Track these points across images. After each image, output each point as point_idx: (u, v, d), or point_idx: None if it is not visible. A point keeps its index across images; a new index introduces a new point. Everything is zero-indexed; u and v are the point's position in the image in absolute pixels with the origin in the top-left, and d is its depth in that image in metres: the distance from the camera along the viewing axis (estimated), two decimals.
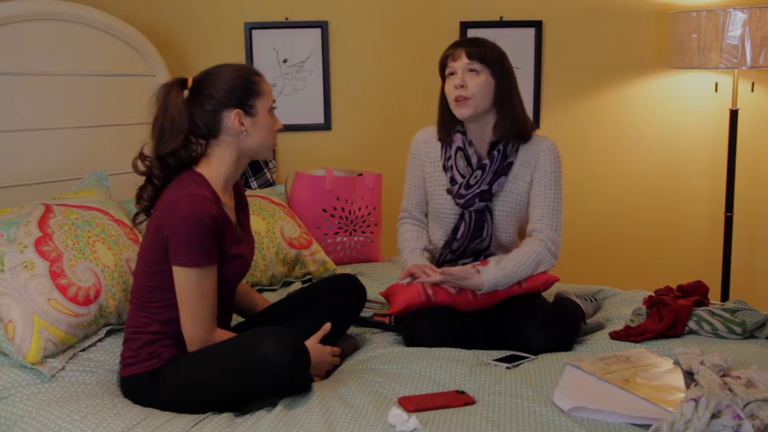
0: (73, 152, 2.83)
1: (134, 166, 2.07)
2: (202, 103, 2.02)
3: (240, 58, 3.41)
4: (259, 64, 3.41)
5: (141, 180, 2.10)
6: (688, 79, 3.57)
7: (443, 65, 2.42)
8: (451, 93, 2.39)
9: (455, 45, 2.42)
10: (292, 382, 1.89)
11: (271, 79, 3.43)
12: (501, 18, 3.51)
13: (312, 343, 2.05)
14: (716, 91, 3.47)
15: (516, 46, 3.51)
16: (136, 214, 2.12)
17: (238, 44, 3.42)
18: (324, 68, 3.47)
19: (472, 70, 2.36)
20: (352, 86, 3.52)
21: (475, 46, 2.38)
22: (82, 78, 2.87)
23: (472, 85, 2.36)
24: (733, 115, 3.39)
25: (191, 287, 1.94)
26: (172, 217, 1.93)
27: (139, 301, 2.03)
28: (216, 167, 2.06)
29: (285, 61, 3.46)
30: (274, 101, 2.10)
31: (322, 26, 3.44)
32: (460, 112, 2.39)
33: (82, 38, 2.87)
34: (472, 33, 3.47)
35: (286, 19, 3.44)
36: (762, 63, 3.14)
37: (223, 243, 2.00)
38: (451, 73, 2.39)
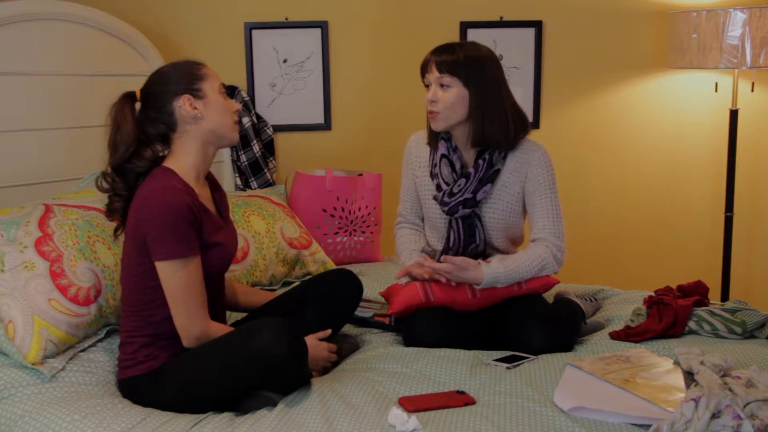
0: (73, 152, 2.83)
1: (98, 185, 2.10)
2: (154, 103, 2.06)
3: (240, 58, 3.41)
4: (259, 64, 3.42)
5: None
6: (688, 79, 3.57)
7: (422, 74, 2.40)
8: (426, 105, 2.38)
9: (431, 53, 2.37)
10: (289, 372, 1.89)
11: (271, 79, 3.45)
12: (501, 18, 3.51)
13: (310, 339, 2.06)
14: (716, 91, 3.47)
15: (516, 46, 3.52)
16: (116, 227, 2.14)
17: (238, 44, 3.42)
18: (324, 68, 3.47)
19: (442, 84, 2.33)
20: (352, 86, 3.52)
21: (447, 55, 2.32)
22: (82, 78, 2.87)
23: (442, 99, 2.33)
24: (733, 115, 3.39)
25: (177, 280, 1.94)
26: (148, 213, 1.95)
27: (130, 306, 2.04)
28: (183, 160, 2.07)
29: (285, 61, 3.46)
30: (222, 84, 2.13)
31: (322, 26, 3.44)
32: (433, 125, 2.39)
33: (82, 38, 2.87)
34: (472, 33, 3.47)
35: (286, 19, 3.44)
36: (762, 63, 3.14)
37: (202, 232, 2.00)
38: (427, 85, 2.38)
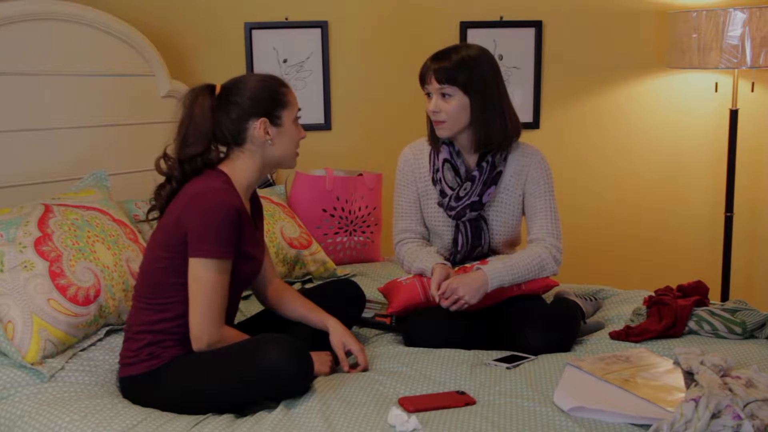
0: (73, 152, 2.83)
1: (157, 165, 2.08)
2: (229, 110, 2.04)
3: (240, 58, 3.41)
4: (259, 64, 3.42)
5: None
6: (688, 79, 3.57)
7: (421, 83, 2.39)
8: (429, 114, 2.39)
9: (429, 61, 2.36)
10: (295, 389, 1.90)
11: None
12: (501, 18, 3.51)
13: (315, 355, 2.03)
14: (716, 91, 3.47)
15: (516, 46, 3.52)
16: (151, 210, 2.11)
17: (238, 44, 3.42)
18: (324, 68, 3.47)
19: (444, 94, 2.33)
20: (352, 86, 3.52)
21: (445, 63, 2.32)
22: (82, 78, 2.87)
23: (445, 109, 2.34)
24: (733, 115, 3.39)
25: (207, 280, 1.93)
26: (196, 209, 1.94)
27: (143, 298, 2.02)
28: (238, 172, 2.07)
29: (285, 61, 3.46)
30: (299, 110, 2.12)
31: (322, 26, 3.44)
32: (438, 133, 2.39)
33: (82, 38, 2.86)
34: (472, 33, 3.47)
35: (286, 19, 3.44)
36: (762, 63, 3.14)
37: (242, 240, 2.00)
38: (428, 93, 2.38)
